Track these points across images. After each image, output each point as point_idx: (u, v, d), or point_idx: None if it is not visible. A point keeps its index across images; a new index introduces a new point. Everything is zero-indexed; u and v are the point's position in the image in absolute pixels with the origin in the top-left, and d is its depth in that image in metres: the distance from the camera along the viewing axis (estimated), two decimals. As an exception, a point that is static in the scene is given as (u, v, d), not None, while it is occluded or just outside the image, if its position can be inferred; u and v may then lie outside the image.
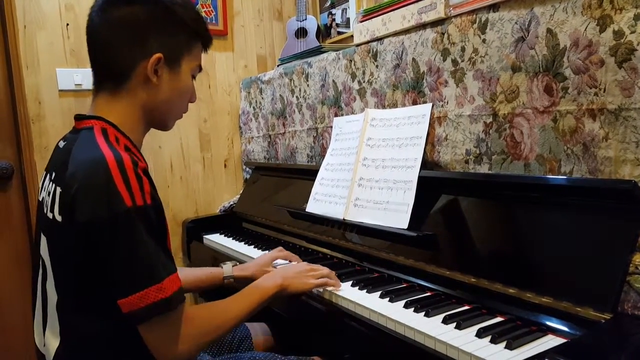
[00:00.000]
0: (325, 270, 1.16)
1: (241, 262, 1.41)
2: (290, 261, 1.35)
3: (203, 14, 2.21)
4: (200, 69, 1.00)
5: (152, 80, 0.90)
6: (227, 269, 1.29)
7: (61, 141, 0.95)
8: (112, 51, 0.90)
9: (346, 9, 2.21)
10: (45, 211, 0.88)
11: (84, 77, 1.96)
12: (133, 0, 0.89)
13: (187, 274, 1.27)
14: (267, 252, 1.39)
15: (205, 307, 0.95)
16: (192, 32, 0.95)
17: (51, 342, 0.87)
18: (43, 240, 0.89)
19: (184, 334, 0.84)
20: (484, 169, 1.17)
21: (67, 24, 1.94)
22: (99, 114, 0.91)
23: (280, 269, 1.15)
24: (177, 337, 0.83)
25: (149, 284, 0.78)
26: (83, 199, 0.78)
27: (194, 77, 0.99)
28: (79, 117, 0.93)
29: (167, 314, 0.80)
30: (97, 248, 0.78)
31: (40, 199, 0.94)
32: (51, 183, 0.88)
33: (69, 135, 0.94)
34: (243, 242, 1.72)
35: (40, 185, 0.96)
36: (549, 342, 0.83)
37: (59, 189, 0.84)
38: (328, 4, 2.32)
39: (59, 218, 0.83)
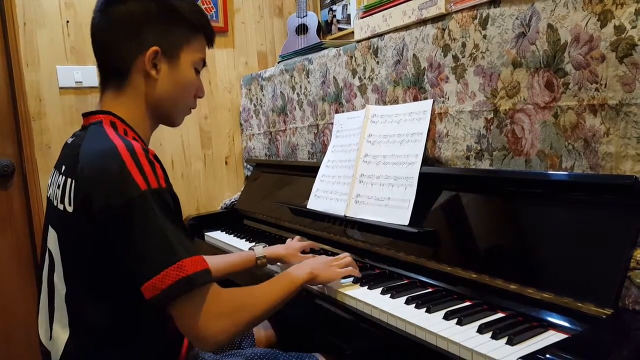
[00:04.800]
0: (347, 259, 1.17)
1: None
2: (312, 248, 1.41)
3: (203, 11, 2.21)
4: (204, 63, 1.00)
5: (151, 73, 0.92)
6: (259, 250, 1.33)
7: (70, 138, 0.97)
8: (112, 48, 0.92)
9: (347, 5, 2.21)
10: (55, 204, 0.89)
11: (84, 74, 1.96)
12: None
13: (219, 260, 1.29)
14: (290, 239, 1.44)
15: (235, 289, 0.92)
16: (191, 25, 0.95)
17: (60, 335, 0.88)
18: (52, 233, 0.90)
19: (214, 311, 0.81)
20: (485, 165, 1.17)
21: (67, 21, 1.93)
22: (106, 109, 0.92)
23: (308, 261, 1.15)
24: (207, 315, 0.80)
25: (168, 264, 0.76)
26: (97, 188, 0.79)
27: (198, 71, 0.99)
28: (86, 114, 0.95)
29: (191, 293, 0.78)
30: (112, 236, 0.78)
31: (48, 195, 0.96)
32: (61, 176, 0.89)
33: (78, 132, 0.96)
34: (244, 239, 1.72)
35: (48, 183, 0.98)
36: (550, 337, 0.83)
37: (70, 180, 0.84)
38: (328, 0, 2.31)
39: (69, 209, 0.83)
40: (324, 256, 1.20)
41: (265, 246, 1.37)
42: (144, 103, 0.94)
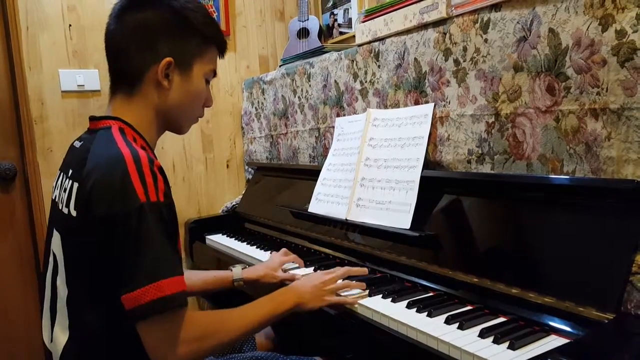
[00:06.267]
0: (343, 282, 1.10)
1: (246, 263, 1.41)
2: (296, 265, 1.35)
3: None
4: (214, 74, 1.01)
5: (163, 84, 0.92)
6: (237, 271, 1.29)
7: (76, 141, 0.98)
8: (125, 56, 0.92)
9: (348, 9, 2.21)
10: (60, 207, 0.90)
11: (86, 78, 1.97)
12: (145, 6, 0.92)
13: (194, 276, 1.27)
14: (274, 253, 1.39)
15: (209, 313, 0.93)
16: (204, 37, 0.96)
17: (60, 337, 0.88)
18: (56, 236, 0.91)
19: (183, 337, 0.81)
20: (486, 168, 1.17)
21: (70, 25, 1.94)
22: (115, 115, 0.93)
23: (296, 285, 1.08)
24: (175, 339, 0.80)
25: (150, 281, 0.77)
26: (99, 194, 0.80)
27: (208, 81, 1.00)
28: (94, 118, 0.95)
29: (165, 315, 0.79)
30: (109, 243, 0.79)
31: (54, 197, 0.96)
32: (68, 180, 0.89)
33: (85, 135, 0.96)
34: (245, 243, 1.72)
35: (53, 185, 0.98)
36: (552, 342, 0.83)
37: (76, 185, 0.85)
38: (330, 4, 2.32)
39: (74, 213, 0.84)
40: (319, 274, 1.11)
41: (245, 267, 1.32)
42: (153, 111, 0.95)
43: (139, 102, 0.93)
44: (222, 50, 1.01)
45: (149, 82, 0.92)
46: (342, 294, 1.10)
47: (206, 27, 0.96)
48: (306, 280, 1.10)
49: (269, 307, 0.98)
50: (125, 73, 0.93)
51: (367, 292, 1.10)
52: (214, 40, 0.98)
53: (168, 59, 0.91)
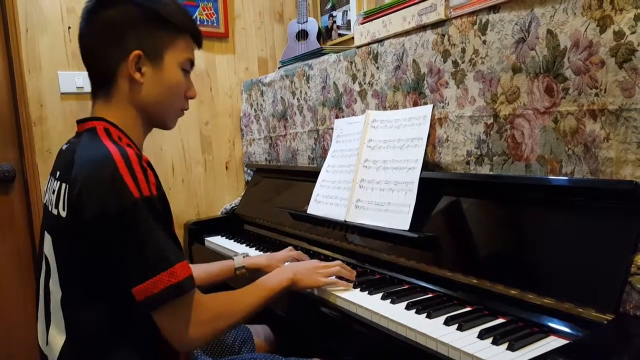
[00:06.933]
0: (335, 268, 1.17)
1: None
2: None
3: (205, 17, 2.22)
4: (192, 63, 1.00)
5: (136, 77, 0.92)
6: (238, 260, 1.32)
7: (64, 145, 0.98)
8: (97, 55, 0.93)
9: (347, 11, 2.22)
10: (50, 210, 0.90)
11: (85, 80, 1.92)
12: (111, 5, 0.92)
13: (198, 269, 1.28)
14: (287, 248, 1.42)
15: (216, 295, 0.96)
16: (173, 26, 0.94)
17: (56, 339, 0.88)
18: (47, 239, 0.91)
19: (197, 319, 0.85)
20: (485, 170, 1.17)
21: (69, 27, 1.94)
22: (99, 116, 0.94)
23: (291, 265, 1.17)
24: (190, 321, 0.85)
25: (161, 270, 0.80)
26: (91, 193, 0.80)
27: (186, 71, 0.99)
28: (80, 121, 0.96)
29: (179, 299, 0.82)
30: (106, 240, 0.80)
31: (44, 202, 0.97)
32: (56, 182, 0.90)
33: (73, 139, 0.97)
34: (244, 244, 1.72)
35: (45, 189, 0.98)
36: (551, 343, 0.83)
37: (64, 185, 0.85)
38: (329, 6, 2.32)
39: (63, 214, 0.84)
40: (314, 261, 1.21)
41: (246, 255, 1.36)
42: (133, 108, 0.94)
43: (118, 101, 0.93)
44: (196, 38, 0.99)
45: (122, 78, 0.92)
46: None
47: (175, 16, 0.95)
48: (301, 263, 1.20)
49: (269, 286, 1.04)
50: (100, 73, 0.94)
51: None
52: (185, 28, 0.97)
53: (136, 52, 0.90)
